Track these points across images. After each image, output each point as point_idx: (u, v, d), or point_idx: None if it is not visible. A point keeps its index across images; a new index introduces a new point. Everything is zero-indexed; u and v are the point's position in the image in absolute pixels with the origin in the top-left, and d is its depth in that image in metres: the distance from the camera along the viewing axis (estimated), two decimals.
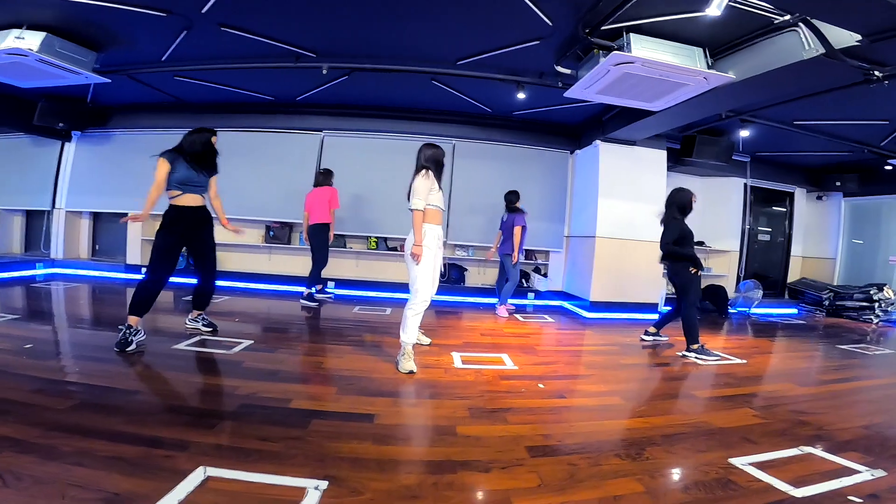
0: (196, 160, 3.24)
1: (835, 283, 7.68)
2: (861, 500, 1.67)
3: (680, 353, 3.92)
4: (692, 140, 6.13)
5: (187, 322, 3.63)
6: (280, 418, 2.09)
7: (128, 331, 2.94)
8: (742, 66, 3.63)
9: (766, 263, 8.06)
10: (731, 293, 7.11)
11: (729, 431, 2.33)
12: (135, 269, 6.42)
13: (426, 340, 3.70)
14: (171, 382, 2.54)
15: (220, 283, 5.85)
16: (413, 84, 5.24)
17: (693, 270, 3.96)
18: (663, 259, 4.28)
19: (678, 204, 4.09)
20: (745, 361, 3.87)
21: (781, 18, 3.11)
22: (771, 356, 4.41)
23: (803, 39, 3.07)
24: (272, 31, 4.05)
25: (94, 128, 6.64)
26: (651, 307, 6.04)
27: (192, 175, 3.22)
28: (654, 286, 6.14)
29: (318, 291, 5.44)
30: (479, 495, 1.60)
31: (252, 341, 3.39)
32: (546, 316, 5.67)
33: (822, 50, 2.96)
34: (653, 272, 6.06)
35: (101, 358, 2.80)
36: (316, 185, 5.36)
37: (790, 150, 6.82)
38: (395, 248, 6.59)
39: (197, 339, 3.35)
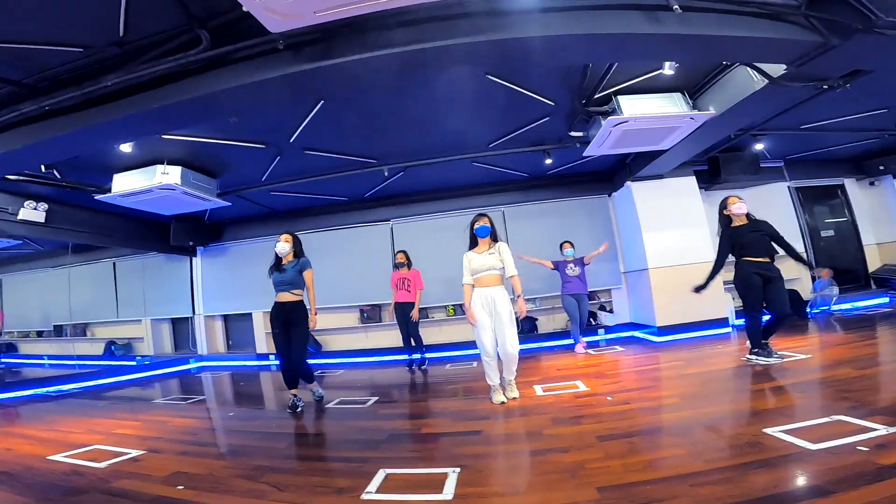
0: (275, 266, 4.14)
1: None
2: (867, 449, 2.03)
3: (744, 358, 4.31)
4: (716, 160, 6.63)
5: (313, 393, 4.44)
6: (418, 439, 3.01)
7: (294, 398, 4.05)
8: (718, 100, 4.31)
9: (840, 258, 7.93)
10: (808, 294, 7.14)
11: (771, 411, 2.83)
12: (263, 356, 7.76)
13: (512, 395, 3.76)
14: (339, 427, 3.57)
15: (334, 360, 7.16)
16: (458, 168, 6.32)
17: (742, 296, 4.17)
18: None
19: (719, 216, 4.45)
20: (809, 356, 4.14)
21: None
22: (839, 348, 4.53)
23: (750, 74, 3.79)
24: (341, 148, 5.25)
25: (213, 242, 8.26)
26: (722, 322, 6.31)
27: (275, 277, 4.09)
28: (720, 302, 6.42)
29: (411, 360, 6.13)
30: (564, 464, 2.32)
31: (378, 397, 4.37)
32: (617, 346, 6.17)
33: (766, 80, 3.65)
34: (715, 290, 6.33)
35: (282, 417, 3.96)
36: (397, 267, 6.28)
37: (816, 148, 7.08)
38: None
39: (338, 399, 4.38)
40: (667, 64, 3.81)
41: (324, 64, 2.92)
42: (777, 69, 3.56)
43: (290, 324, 4.01)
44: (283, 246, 4.12)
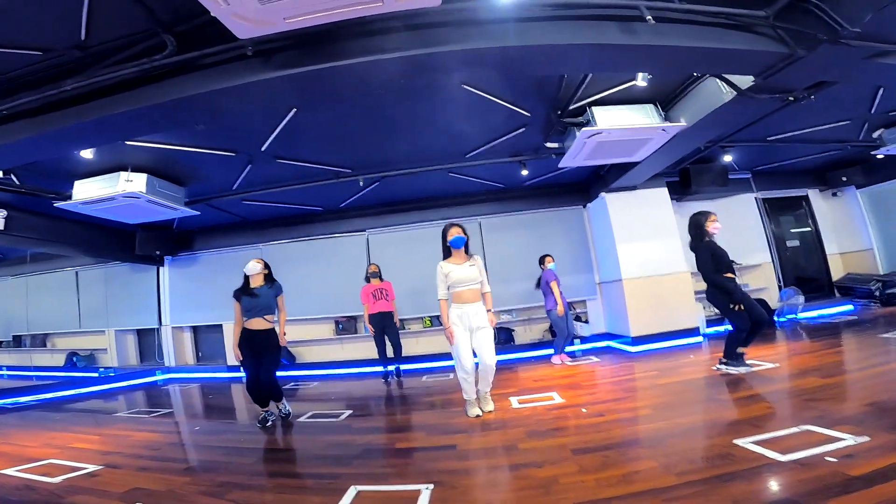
0: (245, 292, 3.93)
1: (880, 273, 7.75)
2: (836, 460, 2.06)
3: (715, 367, 4.37)
4: (687, 172, 6.80)
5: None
6: (392, 454, 2.96)
7: (266, 413, 3.94)
8: (689, 112, 4.40)
9: (806, 268, 8.22)
10: (775, 303, 7.34)
11: (741, 422, 2.86)
12: (235, 368, 7.40)
13: (488, 408, 3.70)
14: (310, 441, 3.46)
15: (308, 372, 6.96)
16: (434, 178, 6.29)
17: (733, 306, 4.07)
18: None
19: (693, 230, 4.39)
20: (777, 365, 4.23)
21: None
22: (806, 356, 4.63)
23: (719, 86, 3.87)
24: (315, 157, 5.15)
25: (181, 252, 8.00)
26: (693, 331, 6.40)
27: (247, 302, 3.88)
28: (692, 311, 6.55)
29: (387, 372, 6.05)
30: (538, 479, 2.30)
31: (352, 411, 4.27)
32: (593, 357, 6.19)
33: (734, 92, 3.73)
34: (686, 300, 6.53)
35: (250, 431, 3.85)
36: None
37: (781, 159, 7.33)
38: None
39: (310, 413, 4.26)
40: (640, 75, 3.87)
41: (294, 71, 2.88)
42: (745, 81, 3.64)
43: (261, 351, 3.88)
44: (255, 266, 3.94)
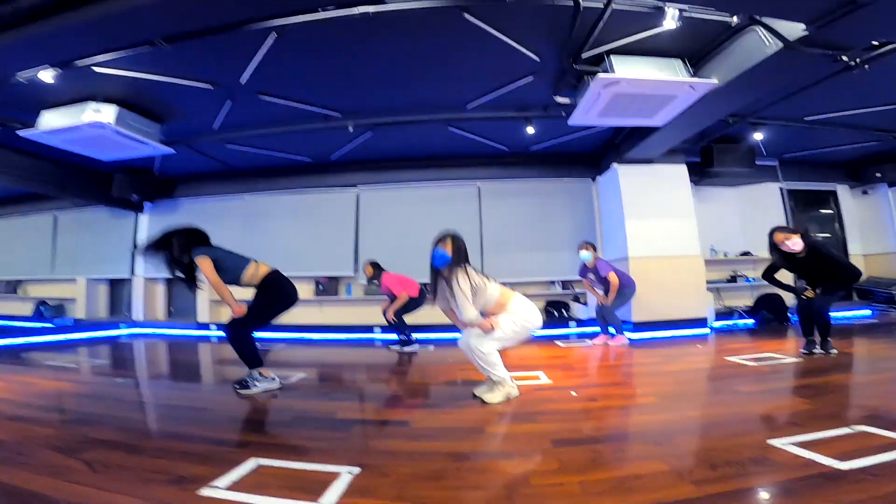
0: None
1: None
2: None
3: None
4: (710, 150, 6.18)
5: None
6: (327, 425, 2.36)
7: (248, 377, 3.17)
8: (721, 70, 3.78)
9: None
10: (791, 301, 6.74)
11: (771, 417, 2.31)
12: (205, 326, 7.01)
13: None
14: (238, 401, 2.89)
15: (279, 334, 6.31)
16: (432, 132, 5.68)
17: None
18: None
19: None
20: (800, 359, 3.68)
21: (734, 21, 3.33)
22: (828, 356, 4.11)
23: (761, 37, 3.24)
24: (301, 95, 4.61)
25: (162, 198, 7.44)
26: (700, 322, 5.83)
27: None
28: (702, 300, 5.97)
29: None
30: (502, 476, 1.72)
31: (305, 374, 3.69)
32: (588, 340, 5.59)
33: (780, 44, 3.11)
34: (697, 287, 5.94)
35: (185, 389, 3.41)
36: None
37: (815, 147, 6.65)
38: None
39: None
40: (669, 13, 3.22)
41: None
42: (794, 32, 3.02)
43: None
44: None
